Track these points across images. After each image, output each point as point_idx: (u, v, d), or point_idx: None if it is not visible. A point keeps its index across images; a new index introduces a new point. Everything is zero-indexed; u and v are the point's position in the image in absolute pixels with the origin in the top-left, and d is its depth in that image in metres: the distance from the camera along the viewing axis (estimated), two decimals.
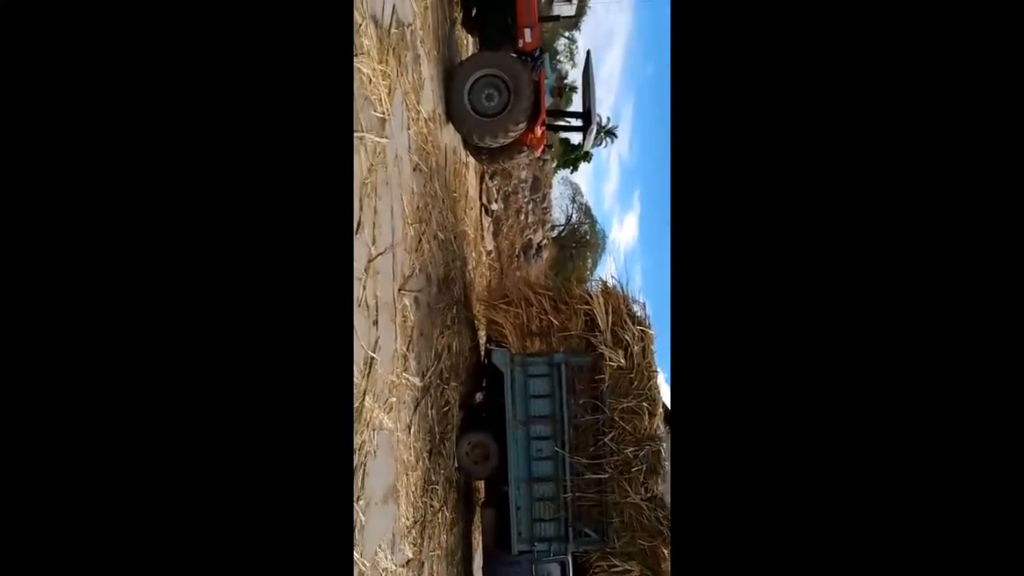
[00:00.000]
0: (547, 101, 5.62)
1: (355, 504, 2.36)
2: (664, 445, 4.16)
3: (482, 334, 5.13)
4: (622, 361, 4.26)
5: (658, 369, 4.30)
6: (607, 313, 4.36)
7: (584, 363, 4.37)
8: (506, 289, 4.77)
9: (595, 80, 5.93)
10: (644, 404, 4.16)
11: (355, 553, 2.32)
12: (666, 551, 3.98)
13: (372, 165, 3.14)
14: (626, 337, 4.30)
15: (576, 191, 19.20)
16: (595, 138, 6.86)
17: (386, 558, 2.63)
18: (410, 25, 4.38)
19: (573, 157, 9.15)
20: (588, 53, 6.31)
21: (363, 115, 3.07)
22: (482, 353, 5.28)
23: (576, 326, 4.47)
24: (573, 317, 4.49)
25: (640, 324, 4.33)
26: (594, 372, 4.35)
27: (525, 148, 6.11)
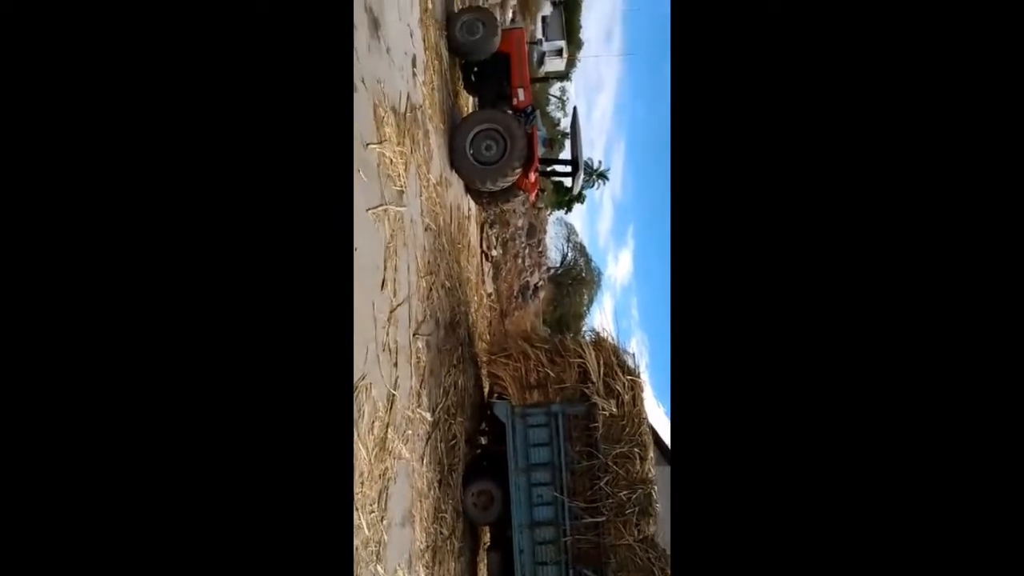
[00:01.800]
0: (539, 151, 6.69)
1: (380, 524, 2.89)
2: (655, 487, 4.66)
3: (484, 372, 5.74)
4: (614, 410, 4.83)
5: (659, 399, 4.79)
6: (599, 365, 4.99)
7: (579, 412, 4.92)
8: (506, 343, 5.40)
9: (581, 132, 7.17)
10: (635, 449, 4.69)
11: (379, 567, 2.81)
12: None
13: (393, 231, 3.92)
14: (617, 387, 4.90)
15: (571, 231, 20.67)
16: (586, 181, 8.18)
17: None
18: (420, 107, 5.37)
19: (567, 199, 10.24)
20: (575, 108, 7.64)
21: (386, 190, 3.88)
22: (484, 391, 5.85)
23: (571, 377, 5.06)
24: (567, 369, 5.10)
25: (630, 374, 4.95)
26: (588, 420, 4.89)
27: (521, 192, 7.27)
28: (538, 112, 7.08)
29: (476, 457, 5.35)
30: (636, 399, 4.85)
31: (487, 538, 5.50)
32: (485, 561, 5.28)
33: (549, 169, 7.99)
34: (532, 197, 7.95)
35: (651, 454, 4.80)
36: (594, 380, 4.90)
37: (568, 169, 7.55)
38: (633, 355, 5.06)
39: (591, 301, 20.70)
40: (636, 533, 4.47)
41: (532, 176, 6.82)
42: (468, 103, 8.06)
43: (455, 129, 6.45)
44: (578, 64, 25.53)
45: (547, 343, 5.24)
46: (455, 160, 6.38)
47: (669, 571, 4.43)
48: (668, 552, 4.56)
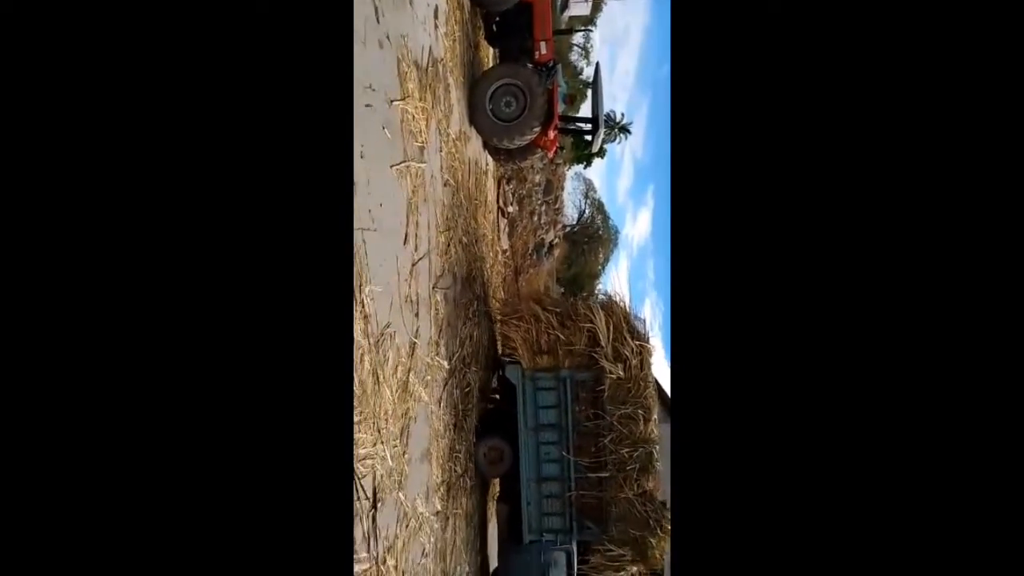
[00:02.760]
0: (559, 107, 6.73)
1: (402, 457, 3.23)
2: (657, 447, 5.02)
3: (497, 329, 6.03)
4: (621, 374, 5.13)
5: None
6: (608, 330, 5.27)
7: (587, 378, 5.24)
8: (518, 305, 5.69)
9: (602, 90, 7.20)
10: (639, 411, 5.03)
11: (401, 495, 3.17)
12: (652, 540, 4.79)
13: (415, 187, 4.15)
14: (625, 352, 5.19)
15: (589, 186, 20.56)
16: (607, 135, 8.19)
17: (422, 505, 3.48)
18: (442, 60, 5.50)
19: (586, 153, 10.24)
20: (597, 65, 7.62)
21: (408, 147, 4.09)
22: (498, 344, 6.19)
23: (580, 341, 5.35)
24: (577, 333, 5.37)
25: (639, 339, 5.24)
26: (596, 383, 5.22)
27: (539, 149, 7.36)
28: (559, 67, 7.10)
29: (487, 412, 5.73)
30: (643, 363, 5.15)
31: (496, 487, 5.95)
32: (495, 507, 5.74)
33: (569, 127, 8.06)
34: (550, 155, 8.05)
35: (655, 415, 5.13)
36: (603, 345, 5.19)
37: (588, 127, 7.61)
38: (644, 320, 5.33)
39: (606, 260, 20.85)
40: (636, 488, 4.85)
41: (551, 134, 6.88)
42: (489, 55, 8.11)
43: (475, 83, 6.52)
44: (604, 7, 24.76)
45: (558, 306, 5.51)
46: (474, 115, 6.46)
47: (664, 523, 4.83)
48: (665, 505, 4.95)
